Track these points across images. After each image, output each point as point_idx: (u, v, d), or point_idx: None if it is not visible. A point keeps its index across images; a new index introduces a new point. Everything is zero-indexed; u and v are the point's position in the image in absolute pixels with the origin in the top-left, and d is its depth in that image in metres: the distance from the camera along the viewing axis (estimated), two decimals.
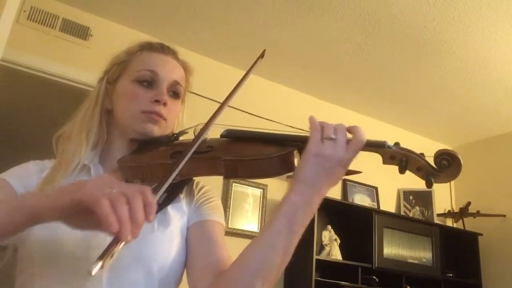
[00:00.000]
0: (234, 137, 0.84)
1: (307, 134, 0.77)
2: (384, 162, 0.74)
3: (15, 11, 1.85)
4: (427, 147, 4.18)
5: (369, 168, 3.44)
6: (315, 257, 2.93)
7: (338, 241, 3.22)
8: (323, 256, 3.10)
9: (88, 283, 0.75)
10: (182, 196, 0.91)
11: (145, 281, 0.79)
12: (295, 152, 0.76)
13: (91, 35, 2.81)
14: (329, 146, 0.72)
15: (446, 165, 0.70)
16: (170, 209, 0.86)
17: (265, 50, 0.93)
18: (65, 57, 2.70)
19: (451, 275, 3.59)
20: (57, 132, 0.91)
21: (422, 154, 0.72)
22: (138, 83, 0.91)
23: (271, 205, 3.18)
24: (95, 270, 0.53)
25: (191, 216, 0.90)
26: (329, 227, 3.28)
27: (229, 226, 2.95)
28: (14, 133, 4.40)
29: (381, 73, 3.25)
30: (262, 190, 3.17)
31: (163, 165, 0.80)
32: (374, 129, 3.94)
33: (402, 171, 0.72)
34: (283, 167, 0.75)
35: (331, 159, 0.71)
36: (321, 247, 3.19)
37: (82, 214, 0.59)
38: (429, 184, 0.71)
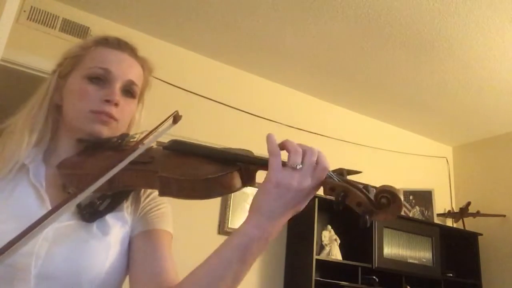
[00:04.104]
0: (176, 150, 0.77)
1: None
2: (325, 193, 0.67)
3: (15, 11, 1.85)
4: (427, 147, 4.20)
5: (369, 168, 3.45)
6: (315, 257, 2.93)
7: (338, 241, 3.22)
8: (323, 256, 3.10)
9: None
10: (126, 204, 0.85)
11: None
12: (235, 173, 0.70)
13: (91, 35, 2.80)
14: (293, 175, 0.64)
15: (385, 204, 0.64)
16: (109, 217, 0.81)
17: (177, 111, 0.77)
18: None
19: (451, 275, 3.59)
20: (7, 121, 0.86)
21: (366, 186, 0.66)
22: (90, 80, 0.85)
23: None
24: None
25: (135, 225, 0.84)
26: (329, 227, 3.28)
27: (229, 226, 2.95)
28: None
29: (381, 73, 3.25)
30: None
31: (97, 174, 0.72)
32: (374, 129, 3.95)
33: (337, 205, 0.65)
34: (219, 190, 0.69)
35: (294, 189, 0.64)
36: (321, 247, 3.19)
37: None
38: (363, 224, 0.65)
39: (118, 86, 0.86)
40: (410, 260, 3.38)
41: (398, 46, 2.90)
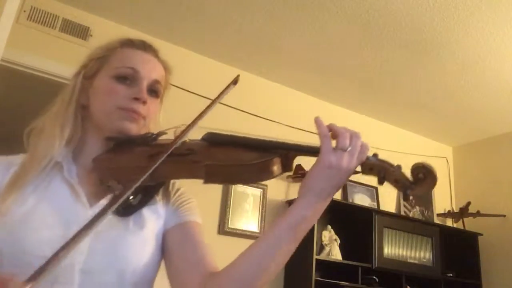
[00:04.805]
0: (215, 141, 0.82)
1: (289, 141, 0.76)
2: (363, 172, 0.74)
3: (15, 11, 1.85)
4: (427, 147, 4.21)
5: None
6: (315, 257, 2.93)
7: (338, 241, 3.22)
8: (323, 256, 3.10)
9: (60, 285, 0.73)
10: (158, 198, 0.89)
11: (117, 285, 0.78)
12: (277, 159, 0.74)
13: (91, 35, 2.81)
14: (342, 157, 0.70)
15: (422, 178, 0.71)
16: (145, 211, 0.85)
17: (238, 75, 0.89)
18: (65, 57, 2.70)
19: (451, 275, 3.59)
20: (29, 126, 0.88)
21: (399, 166, 0.73)
22: (117, 79, 0.88)
23: (271, 205, 3.18)
24: None
25: (168, 219, 0.88)
26: (329, 227, 3.28)
27: (229, 226, 2.95)
28: (14, 133, 4.40)
29: (381, 73, 3.25)
30: (262, 190, 3.17)
31: (141, 168, 0.77)
32: (374, 129, 3.95)
33: (381, 182, 0.72)
34: (263, 174, 0.74)
35: (344, 170, 0.70)
36: (321, 247, 3.19)
37: None
38: (405, 197, 0.72)
39: (145, 85, 0.89)
40: (410, 260, 3.37)
41: (398, 46, 2.90)
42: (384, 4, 2.51)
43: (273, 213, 3.17)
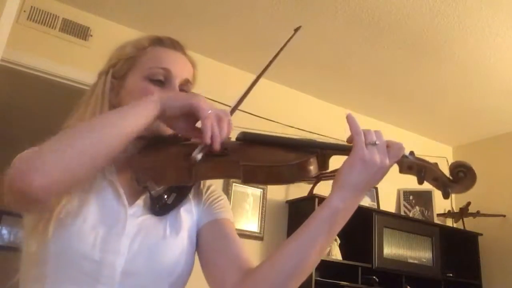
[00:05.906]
0: (251, 140, 0.81)
1: (319, 139, 0.76)
2: (401, 171, 0.75)
3: (15, 11, 1.85)
4: (427, 147, 4.20)
5: None
6: None
7: (338, 241, 3.21)
8: (323, 256, 3.10)
9: (101, 286, 0.75)
10: (190, 196, 0.90)
11: (155, 286, 0.80)
12: (314, 159, 0.75)
13: (91, 35, 2.81)
14: (375, 152, 0.72)
15: (463, 177, 0.71)
16: (181, 210, 0.86)
17: (300, 26, 0.94)
18: (65, 57, 2.70)
19: (451, 275, 3.58)
20: (63, 124, 0.87)
21: (436, 163, 0.73)
22: (150, 80, 0.89)
23: (271, 205, 3.18)
24: (198, 158, 0.71)
25: (201, 216, 0.89)
26: None
27: None
28: (14, 133, 4.41)
29: (381, 73, 3.25)
30: (262, 190, 3.17)
31: (177, 167, 0.78)
32: (374, 129, 3.94)
33: (421, 181, 0.73)
34: (301, 174, 0.74)
35: (378, 165, 0.71)
36: None
37: (185, 118, 0.76)
38: (446, 195, 0.72)
39: (177, 84, 0.90)
40: (410, 260, 3.37)
41: (398, 46, 2.90)
42: (384, 4, 2.51)
43: (273, 213, 3.17)
